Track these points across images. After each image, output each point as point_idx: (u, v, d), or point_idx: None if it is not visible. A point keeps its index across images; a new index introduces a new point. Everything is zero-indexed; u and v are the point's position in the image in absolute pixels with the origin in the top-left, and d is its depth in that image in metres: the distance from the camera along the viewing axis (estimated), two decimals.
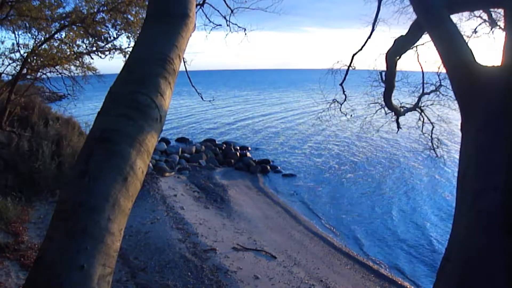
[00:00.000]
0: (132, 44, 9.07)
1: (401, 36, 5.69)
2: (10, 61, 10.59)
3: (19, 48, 10.56)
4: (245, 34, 9.44)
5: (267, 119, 40.00)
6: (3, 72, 10.77)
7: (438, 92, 8.82)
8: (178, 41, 2.62)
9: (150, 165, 16.22)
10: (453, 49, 2.74)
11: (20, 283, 6.54)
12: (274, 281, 8.58)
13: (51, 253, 1.66)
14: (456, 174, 2.49)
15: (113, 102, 2.20)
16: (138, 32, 6.01)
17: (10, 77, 10.82)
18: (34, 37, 10.56)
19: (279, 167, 21.37)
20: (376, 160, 23.81)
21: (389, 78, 7.16)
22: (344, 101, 9.35)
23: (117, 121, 2.07)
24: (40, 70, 10.96)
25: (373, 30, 7.64)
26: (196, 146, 23.34)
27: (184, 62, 8.23)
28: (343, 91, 9.14)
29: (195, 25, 3.00)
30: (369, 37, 7.82)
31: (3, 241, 7.78)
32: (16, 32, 10.52)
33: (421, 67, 8.80)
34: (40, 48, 10.31)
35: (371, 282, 10.00)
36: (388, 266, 11.34)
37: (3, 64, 10.54)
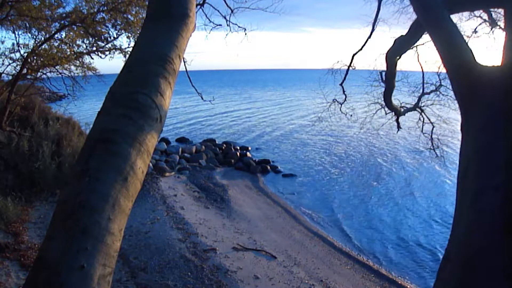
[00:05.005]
0: (132, 44, 9.08)
1: (401, 36, 5.69)
2: (10, 61, 10.62)
3: (19, 48, 10.58)
4: (245, 34, 9.44)
5: (267, 119, 40.00)
6: (3, 72, 10.77)
7: (438, 92, 8.82)
8: (178, 41, 2.62)
9: (150, 165, 16.22)
10: (453, 49, 2.74)
11: (20, 283, 6.54)
12: (274, 281, 8.58)
13: (51, 253, 1.66)
14: (456, 174, 2.49)
15: (113, 102, 2.20)
16: (138, 32, 6.01)
17: (10, 77, 10.82)
18: (34, 37, 10.58)
19: (279, 167, 21.36)
20: (376, 160, 23.81)
21: (389, 78, 7.16)
22: (344, 101, 9.35)
23: (117, 121, 2.07)
24: (40, 70, 10.97)
25: (373, 30, 7.64)
26: (196, 146, 23.34)
27: (184, 62, 8.23)
28: (343, 91, 9.14)
29: (195, 25, 3.00)
30: (369, 37, 7.83)
31: (3, 241, 7.79)
32: (16, 32, 10.54)
33: (421, 67, 8.81)
34: (40, 48, 10.32)
35: (371, 282, 10.00)
36: (388, 266, 11.33)
37: (3, 64, 10.56)
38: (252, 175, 19.68)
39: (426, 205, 16.34)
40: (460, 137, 2.57)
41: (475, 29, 7.81)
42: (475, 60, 2.63)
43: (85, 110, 25.21)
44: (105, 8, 10.20)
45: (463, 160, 2.40)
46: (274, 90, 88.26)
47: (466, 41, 2.84)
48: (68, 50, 10.74)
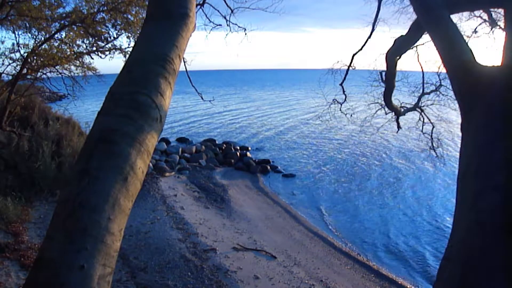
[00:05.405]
0: (132, 44, 9.08)
1: (401, 36, 5.70)
2: (10, 61, 10.58)
3: (19, 48, 10.55)
4: (245, 34, 9.43)
5: (267, 119, 40.02)
6: (3, 72, 10.75)
7: (438, 92, 8.83)
8: (178, 41, 2.62)
9: (150, 165, 16.22)
10: (453, 49, 2.74)
11: (20, 283, 6.54)
12: (274, 281, 8.58)
13: (51, 253, 1.66)
14: (456, 174, 2.49)
15: (113, 102, 2.20)
16: (138, 32, 6.01)
17: (10, 77, 10.81)
18: (34, 37, 10.55)
19: (279, 167, 21.36)
20: (375, 160, 23.81)
21: (389, 78, 7.18)
22: (344, 101, 9.36)
23: (117, 121, 2.07)
24: (40, 70, 10.94)
25: (373, 30, 7.66)
26: (196, 146, 23.34)
27: (184, 62, 8.22)
28: (343, 91, 9.15)
29: (195, 25, 3.00)
30: (369, 37, 7.84)
31: (3, 241, 7.78)
32: (16, 32, 10.50)
33: (421, 67, 8.82)
34: (40, 48, 10.30)
35: (371, 282, 10.00)
36: (388, 266, 11.33)
37: (3, 64, 10.52)
38: (252, 175, 19.67)
39: (427, 206, 16.33)
40: (460, 137, 2.57)
41: (475, 29, 7.82)
42: (475, 60, 2.63)
43: (85, 110, 25.21)
44: (105, 8, 10.19)
45: (463, 160, 2.40)
46: (274, 90, 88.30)
47: (466, 41, 2.84)
48: (68, 50, 10.72)
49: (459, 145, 2.54)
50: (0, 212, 8.58)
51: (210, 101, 11.03)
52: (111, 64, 11.91)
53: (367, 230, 13.82)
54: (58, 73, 11.41)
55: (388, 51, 6.41)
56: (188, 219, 11.34)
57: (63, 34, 10.66)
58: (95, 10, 10.20)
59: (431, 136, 9.41)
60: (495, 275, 1.82)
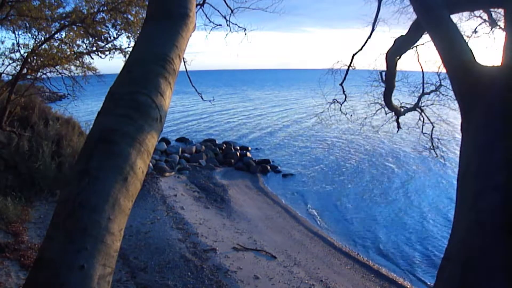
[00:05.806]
0: (132, 44, 9.07)
1: (401, 36, 5.70)
2: (10, 61, 10.57)
3: (19, 48, 10.54)
4: (245, 34, 9.43)
5: (267, 119, 40.01)
6: (3, 72, 10.74)
7: (438, 92, 8.83)
8: (178, 41, 2.62)
9: (150, 165, 16.22)
10: (453, 49, 2.74)
11: (20, 283, 6.54)
12: (274, 281, 8.58)
13: (51, 253, 1.66)
14: (456, 174, 2.49)
15: (113, 102, 2.20)
16: (138, 32, 6.01)
17: (10, 77, 10.80)
18: (34, 37, 10.54)
19: (279, 167, 21.38)
20: (376, 160, 23.81)
21: (389, 78, 7.17)
22: (344, 101, 9.36)
23: (117, 121, 2.07)
24: (40, 70, 10.93)
25: (373, 30, 7.66)
26: (196, 146, 23.35)
27: (184, 62, 8.22)
28: (343, 91, 9.15)
29: (195, 25, 3.00)
30: (369, 37, 7.84)
31: (3, 241, 7.78)
32: (16, 32, 10.49)
33: (421, 67, 8.81)
34: (40, 48, 10.29)
35: (371, 282, 10.00)
36: (388, 266, 11.33)
37: (3, 64, 10.51)
38: (252, 175, 19.68)
39: (426, 206, 16.34)
40: (460, 137, 2.57)
41: (475, 29, 7.82)
42: (475, 60, 2.63)
43: (85, 110, 25.17)
44: (105, 8, 10.18)
45: (463, 160, 2.40)
46: (274, 90, 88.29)
47: (466, 41, 2.84)
48: (68, 50, 10.71)
49: (459, 145, 2.54)
50: (0, 212, 8.58)
51: (210, 101, 11.04)
52: (111, 64, 11.91)
53: (366, 230, 13.82)
54: (58, 73, 11.39)
55: (388, 51, 6.41)
56: (188, 219, 11.34)
57: (63, 34, 10.66)
58: (95, 10, 10.19)
59: (431, 136, 9.41)
60: (495, 275, 1.82)
